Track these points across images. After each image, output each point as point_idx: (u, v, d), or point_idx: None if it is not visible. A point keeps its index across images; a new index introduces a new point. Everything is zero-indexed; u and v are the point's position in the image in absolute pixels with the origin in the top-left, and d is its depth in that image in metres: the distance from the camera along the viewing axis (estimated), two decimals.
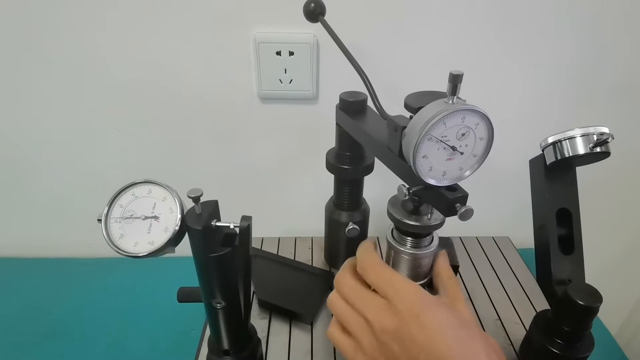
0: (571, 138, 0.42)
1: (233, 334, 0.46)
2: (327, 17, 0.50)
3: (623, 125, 0.71)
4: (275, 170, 0.74)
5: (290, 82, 0.64)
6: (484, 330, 0.52)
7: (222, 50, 0.62)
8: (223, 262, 0.39)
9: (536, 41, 0.64)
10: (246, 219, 0.39)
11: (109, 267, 0.77)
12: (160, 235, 0.36)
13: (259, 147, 0.72)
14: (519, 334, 0.57)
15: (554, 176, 0.46)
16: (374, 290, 0.38)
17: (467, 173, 0.36)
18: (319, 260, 0.69)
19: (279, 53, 0.62)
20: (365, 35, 0.62)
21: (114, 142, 0.71)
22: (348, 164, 0.55)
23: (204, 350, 0.51)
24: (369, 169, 0.56)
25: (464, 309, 0.38)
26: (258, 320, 0.58)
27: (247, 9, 0.60)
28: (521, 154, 0.56)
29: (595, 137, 0.41)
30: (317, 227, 0.68)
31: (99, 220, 0.37)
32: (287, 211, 0.79)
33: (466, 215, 0.34)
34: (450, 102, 0.32)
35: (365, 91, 0.45)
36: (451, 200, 0.34)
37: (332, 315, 0.40)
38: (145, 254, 0.36)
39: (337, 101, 0.53)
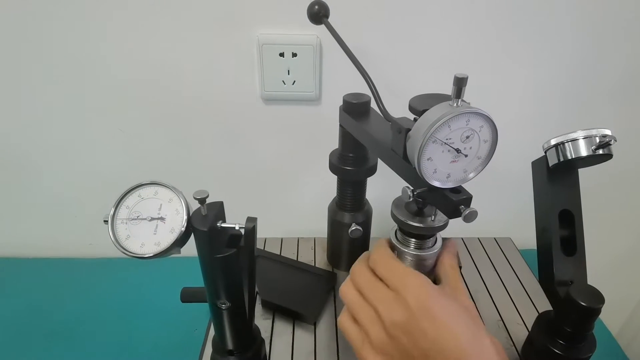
0: (574, 140, 0.43)
1: (237, 335, 0.46)
2: (331, 19, 0.50)
3: (624, 126, 0.71)
4: (278, 171, 0.75)
5: (293, 84, 0.64)
6: None
7: (226, 51, 0.63)
8: (228, 263, 0.39)
9: (537, 42, 0.64)
10: (251, 220, 0.39)
11: (110, 268, 0.78)
12: (166, 236, 0.36)
13: (262, 147, 0.72)
14: (521, 334, 0.57)
15: (557, 178, 0.46)
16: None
17: (471, 175, 0.36)
18: (321, 261, 0.70)
19: (282, 54, 0.62)
20: (368, 37, 0.62)
21: (117, 143, 0.71)
22: (351, 165, 0.55)
23: (208, 350, 0.51)
24: (372, 171, 0.56)
25: (465, 299, 0.39)
26: (261, 320, 0.59)
27: (250, 11, 0.60)
28: (522, 154, 0.56)
29: (597, 140, 0.42)
30: (320, 227, 0.68)
31: (105, 221, 0.37)
32: (290, 212, 0.79)
33: (470, 217, 0.34)
34: (455, 104, 0.32)
35: (368, 93, 0.45)
36: (455, 202, 0.35)
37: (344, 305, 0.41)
38: (151, 255, 0.36)
39: (340, 102, 0.53)
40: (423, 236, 0.42)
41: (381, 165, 0.49)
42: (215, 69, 0.64)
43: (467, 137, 0.34)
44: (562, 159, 0.44)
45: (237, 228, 0.39)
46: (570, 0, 0.61)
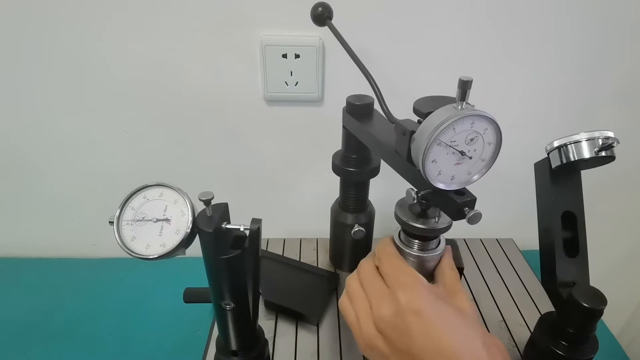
0: (576, 142, 0.43)
1: (241, 335, 0.46)
2: (334, 21, 0.50)
3: (627, 127, 0.72)
4: (281, 172, 0.75)
5: (296, 85, 0.64)
6: (489, 332, 0.52)
7: (229, 52, 0.63)
8: (233, 264, 0.39)
9: (538, 44, 0.64)
10: (256, 221, 0.39)
11: (113, 268, 0.78)
12: (171, 237, 0.37)
13: (264, 148, 0.72)
14: (523, 335, 0.57)
15: (559, 179, 0.47)
16: None
17: (476, 177, 0.36)
18: (324, 262, 0.70)
19: (285, 56, 0.62)
20: (371, 39, 0.62)
21: (119, 144, 0.71)
22: (354, 166, 0.55)
23: (212, 350, 0.51)
24: (375, 172, 0.56)
25: (462, 301, 0.39)
26: (264, 321, 0.59)
27: (254, 12, 0.60)
28: (524, 155, 0.56)
29: (600, 142, 0.42)
30: (322, 228, 0.68)
31: (111, 222, 0.37)
32: (292, 212, 0.79)
33: (475, 219, 0.34)
34: (460, 107, 0.32)
35: (371, 94, 0.46)
36: (460, 204, 0.35)
37: None
38: (156, 256, 0.36)
39: (343, 103, 0.53)
40: (426, 238, 0.42)
41: (384, 166, 0.49)
42: (218, 70, 0.64)
43: (472, 139, 0.34)
44: (564, 161, 0.44)
45: (242, 229, 0.39)
46: (571, 1, 0.61)
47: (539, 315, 0.51)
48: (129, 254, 0.36)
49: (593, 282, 0.46)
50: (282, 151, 0.72)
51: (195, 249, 0.39)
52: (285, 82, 0.64)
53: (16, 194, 0.76)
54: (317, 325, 0.58)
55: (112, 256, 0.79)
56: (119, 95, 0.66)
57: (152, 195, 0.38)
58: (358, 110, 0.51)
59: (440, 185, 0.35)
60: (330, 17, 0.50)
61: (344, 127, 0.54)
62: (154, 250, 0.36)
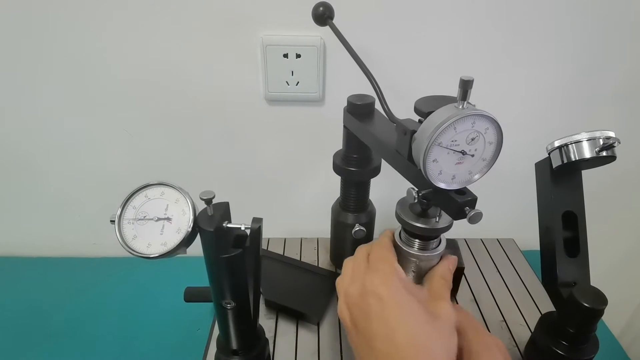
0: (577, 142, 0.43)
1: (242, 334, 0.46)
2: (335, 21, 0.50)
3: (627, 127, 0.72)
4: (282, 172, 0.75)
5: (297, 84, 0.65)
6: (489, 332, 0.52)
7: (230, 52, 0.63)
8: (234, 263, 0.39)
9: (539, 44, 0.64)
10: (257, 220, 0.39)
11: (113, 267, 0.78)
12: (172, 236, 0.37)
13: (265, 148, 0.72)
14: (524, 335, 0.57)
15: (560, 179, 0.47)
16: None
17: (477, 177, 0.36)
18: (324, 261, 0.70)
19: (286, 55, 0.62)
20: (373, 39, 0.62)
21: (120, 143, 0.71)
22: (355, 166, 0.55)
23: (212, 349, 0.52)
24: (376, 171, 0.56)
25: (441, 308, 0.38)
26: (265, 320, 0.59)
27: (254, 12, 0.60)
28: (525, 155, 0.56)
29: (601, 141, 0.42)
30: (323, 228, 0.68)
31: (112, 221, 0.37)
32: (293, 212, 0.79)
33: (475, 219, 0.34)
34: (461, 107, 0.33)
35: (372, 94, 0.46)
36: (460, 203, 0.35)
37: None
38: (157, 255, 0.36)
39: (344, 103, 0.53)
40: (427, 237, 0.42)
41: (385, 166, 0.49)
42: (219, 70, 0.64)
43: (473, 139, 0.34)
44: (565, 161, 0.44)
45: (242, 228, 0.39)
46: (571, 1, 0.61)
47: (540, 315, 0.51)
48: (130, 252, 0.36)
49: (594, 282, 0.46)
50: (283, 151, 0.72)
51: (196, 248, 0.39)
52: (286, 82, 0.64)
53: (17, 193, 0.77)
54: (318, 325, 0.58)
55: (112, 255, 0.79)
56: (119, 95, 0.66)
57: (153, 194, 0.38)
58: (359, 110, 0.51)
59: (441, 185, 0.35)
60: (331, 16, 0.50)
61: (344, 126, 0.54)
62: (155, 249, 0.36)
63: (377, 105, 0.49)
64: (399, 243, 0.43)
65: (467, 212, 0.35)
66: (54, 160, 0.73)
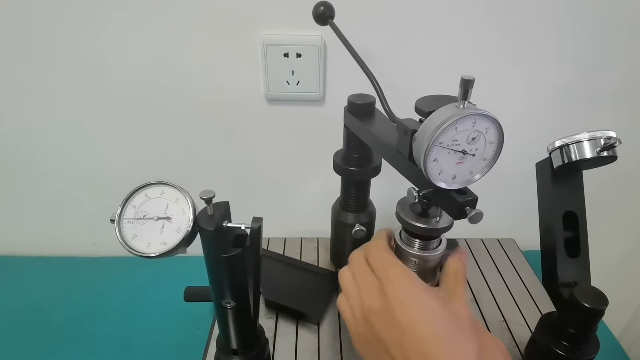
0: (578, 142, 0.43)
1: (242, 334, 0.46)
2: (336, 20, 0.50)
3: (628, 127, 0.72)
4: (282, 171, 0.75)
5: (297, 84, 0.64)
6: (490, 332, 0.52)
7: (231, 51, 0.63)
8: (233, 263, 0.39)
9: (539, 44, 0.64)
10: (257, 220, 0.39)
11: (113, 266, 0.78)
12: (172, 235, 0.37)
13: (265, 148, 0.72)
14: (524, 335, 0.57)
15: (561, 179, 0.46)
16: None
17: (477, 176, 0.36)
18: (324, 261, 0.70)
19: (286, 55, 0.62)
20: (373, 38, 0.62)
21: (120, 142, 0.71)
22: (355, 165, 0.55)
23: (212, 349, 0.51)
24: (376, 171, 0.56)
25: (460, 305, 0.38)
26: (265, 320, 0.59)
27: (255, 11, 0.60)
28: (525, 155, 0.56)
29: (602, 141, 0.42)
30: (323, 227, 0.68)
31: (112, 220, 0.37)
32: (293, 212, 0.79)
33: (476, 219, 0.34)
34: (462, 106, 0.32)
35: (373, 93, 0.46)
36: (461, 203, 0.35)
37: None
38: (157, 254, 0.36)
39: (344, 103, 0.53)
40: (427, 237, 0.42)
41: (385, 165, 0.49)
42: (219, 69, 0.64)
43: (473, 138, 0.34)
44: (566, 161, 0.44)
45: (243, 228, 0.39)
46: (571, 0, 0.61)
47: (540, 315, 0.51)
48: (130, 252, 0.36)
49: (594, 283, 0.46)
50: (284, 150, 0.72)
51: (196, 248, 0.39)
52: (287, 82, 0.64)
53: (17, 192, 0.77)
54: (318, 325, 0.58)
55: (113, 255, 0.79)
56: (119, 95, 0.66)
57: (153, 193, 0.38)
58: (359, 110, 0.51)
59: (442, 185, 0.35)
60: (332, 16, 0.50)
61: (345, 126, 0.54)
62: (155, 249, 0.36)
63: (378, 105, 0.49)
64: (399, 243, 0.43)
65: (467, 212, 0.34)
66: (54, 159, 0.73)
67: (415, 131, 0.36)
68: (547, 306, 0.53)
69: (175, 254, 0.37)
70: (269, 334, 0.56)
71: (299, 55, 0.62)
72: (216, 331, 0.48)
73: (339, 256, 0.67)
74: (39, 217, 0.80)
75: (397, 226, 0.44)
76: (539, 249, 0.48)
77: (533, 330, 0.52)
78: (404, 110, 0.41)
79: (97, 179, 0.75)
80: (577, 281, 0.46)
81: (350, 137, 0.54)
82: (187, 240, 0.37)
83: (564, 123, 0.70)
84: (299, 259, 0.70)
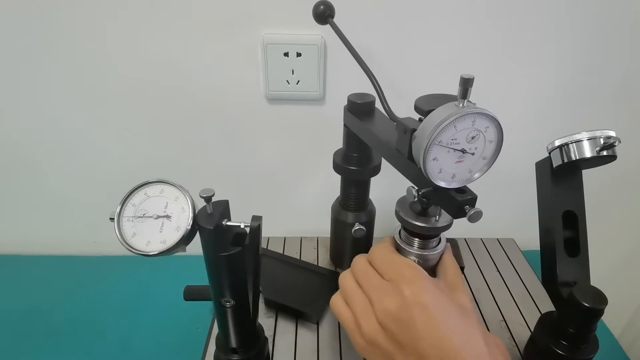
0: (578, 141, 0.43)
1: (241, 333, 0.46)
2: (336, 19, 0.50)
3: (628, 126, 0.72)
4: (282, 171, 0.75)
5: (297, 83, 0.64)
6: (489, 331, 0.52)
7: (231, 51, 0.63)
8: (233, 261, 0.39)
9: (539, 43, 0.64)
10: (256, 219, 0.39)
11: (113, 265, 0.78)
12: (172, 234, 0.37)
13: (265, 147, 0.72)
14: (523, 335, 0.57)
15: (560, 179, 0.47)
16: None
17: (477, 175, 0.36)
18: (324, 260, 0.70)
19: (286, 54, 0.62)
20: (373, 37, 0.62)
21: (121, 142, 0.71)
22: (355, 165, 0.55)
23: (212, 348, 0.52)
24: (376, 170, 0.56)
25: (462, 297, 0.39)
26: (264, 319, 0.59)
27: (255, 10, 0.60)
28: (525, 155, 0.56)
29: (602, 141, 0.42)
30: (323, 227, 0.68)
31: (112, 219, 0.37)
32: (293, 211, 0.79)
33: (475, 218, 0.34)
34: (461, 105, 0.32)
35: (373, 93, 0.46)
36: (460, 202, 0.35)
37: None
38: (157, 252, 0.36)
39: (344, 102, 0.53)
40: (427, 236, 0.42)
41: (385, 165, 0.49)
42: (219, 69, 0.64)
43: (473, 137, 0.34)
44: (566, 160, 0.44)
45: (242, 226, 0.39)
46: (571, 0, 0.61)
47: (540, 315, 0.51)
48: (130, 250, 0.36)
49: (594, 282, 0.46)
50: (283, 150, 0.72)
51: (195, 247, 0.39)
52: (287, 81, 0.64)
53: (17, 191, 0.77)
54: (317, 324, 0.58)
55: (113, 254, 0.79)
56: (119, 94, 0.66)
57: (153, 192, 0.38)
58: (359, 109, 0.51)
59: (441, 184, 0.35)
60: (332, 15, 0.50)
61: (345, 125, 0.54)
62: (155, 247, 0.36)
63: (378, 104, 0.49)
64: (398, 242, 0.43)
65: (467, 210, 0.34)
66: (54, 158, 0.73)
67: (414, 130, 0.36)
68: (547, 306, 0.53)
69: (175, 253, 0.37)
70: (268, 333, 0.56)
71: (299, 55, 0.62)
72: (216, 330, 0.48)
73: (339, 255, 0.67)
74: (39, 216, 0.80)
75: (397, 225, 0.44)
76: (538, 248, 0.48)
77: (532, 329, 0.52)
78: (404, 109, 0.41)
79: (97, 178, 0.75)
80: (576, 281, 0.46)
81: (350, 136, 0.54)
82: (186, 238, 0.37)
83: (564, 123, 0.70)
84: (298, 258, 0.70)
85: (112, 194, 0.38)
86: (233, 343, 0.47)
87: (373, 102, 0.51)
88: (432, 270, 0.44)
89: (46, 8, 0.59)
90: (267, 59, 0.62)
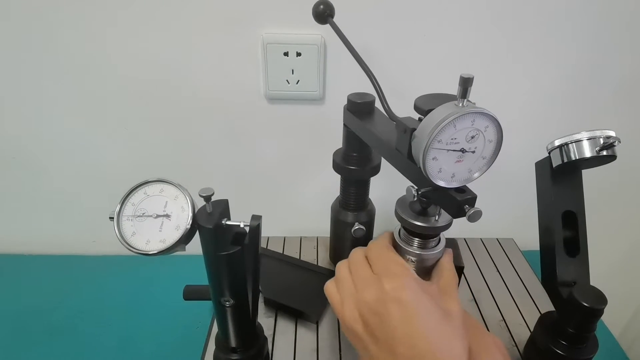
0: (578, 141, 0.43)
1: (241, 332, 0.46)
2: (336, 19, 0.50)
3: (628, 127, 0.72)
4: (282, 170, 0.75)
5: (297, 83, 0.64)
6: (489, 331, 0.52)
7: (231, 50, 0.63)
8: (232, 261, 0.39)
9: (540, 43, 0.64)
10: (256, 218, 0.39)
11: (113, 265, 0.78)
12: (171, 233, 0.37)
13: (265, 147, 0.72)
14: (523, 335, 0.57)
15: (560, 179, 0.47)
16: None
17: (476, 175, 0.36)
18: (324, 260, 0.70)
19: (286, 54, 0.62)
20: (373, 37, 0.62)
21: (121, 141, 0.71)
22: (355, 164, 0.55)
23: (211, 347, 0.51)
24: (376, 170, 0.56)
25: (453, 303, 0.38)
26: (264, 318, 0.59)
27: (256, 10, 0.60)
28: (525, 155, 0.56)
29: (601, 141, 0.42)
30: (322, 226, 0.68)
31: (111, 218, 0.37)
32: (292, 211, 0.79)
33: (475, 217, 0.34)
34: (461, 104, 0.32)
35: (373, 92, 0.46)
36: (460, 201, 0.35)
37: None
38: (156, 251, 0.36)
39: (344, 102, 0.53)
40: (426, 236, 0.42)
41: (385, 164, 0.49)
42: (219, 68, 0.64)
43: (472, 137, 0.34)
44: (566, 160, 0.44)
45: (242, 226, 0.39)
46: (572, 2, 0.61)
47: (539, 315, 0.51)
48: (129, 249, 0.36)
49: (593, 282, 0.46)
50: (283, 149, 0.72)
51: (195, 247, 0.39)
52: (287, 81, 0.64)
53: (17, 190, 0.77)
54: (317, 323, 0.58)
55: (112, 253, 0.79)
56: (119, 93, 0.66)
57: (152, 191, 0.38)
58: (359, 108, 0.51)
59: (441, 183, 0.35)
60: (331, 14, 0.50)
61: (345, 125, 0.54)
62: (154, 246, 0.36)
63: (378, 104, 0.49)
64: (398, 242, 0.43)
65: (466, 210, 0.34)
66: (54, 158, 0.73)
67: (414, 129, 0.36)
68: (546, 306, 0.53)
69: (174, 252, 0.37)
70: (268, 333, 0.56)
71: (299, 54, 0.62)
72: (215, 329, 0.48)
73: (339, 255, 0.67)
74: (39, 216, 0.80)
75: (397, 225, 0.44)
76: (538, 248, 0.48)
77: (532, 329, 0.52)
78: (404, 109, 0.41)
79: (97, 177, 0.75)
80: (576, 280, 0.46)
81: (349, 136, 0.54)
82: (186, 237, 0.37)
83: (563, 123, 0.70)
84: (298, 257, 0.70)
85: (112, 193, 0.38)
86: (232, 342, 0.47)
87: (373, 102, 0.51)
88: (430, 272, 0.44)
89: (46, 8, 0.59)
90: (267, 59, 0.62)
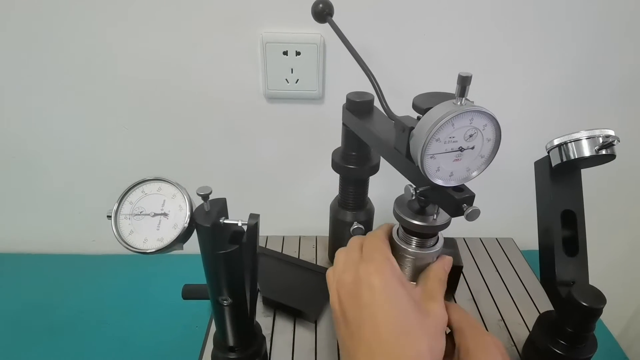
0: (577, 140, 0.43)
1: (238, 331, 0.46)
2: (335, 18, 0.50)
3: (627, 126, 0.71)
4: (281, 169, 0.75)
5: (296, 82, 0.64)
6: (488, 331, 0.52)
7: (230, 49, 0.63)
8: (230, 259, 0.39)
9: (540, 42, 0.64)
10: (254, 217, 0.39)
11: (112, 264, 0.78)
12: (169, 232, 0.36)
13: (264, 146, 0.72)
14: (522, 334, 0.57)
15: (559, 178, 0.46)
16: None
17: (474, 174, 0.36)
18: (323, 259, 0.70)
19: (285, 53, 0.62)
20: (372, 36, 0.62)
21: (121, 140, 0.71)
22: (354, 163, 0.55)
23: (209, 346, 0.51)
24: (375, 169, 0.56)
25: (436, 305, 0.38)
26: (262, 318, 0.59)
27: (255, 9, 0.60)
28: (524, 154, 0.56)
29: (601, 140, 0.42)
30: (321, 226, 0.68)
31: (109, 216, 0.37)
32: (291, 210, 0.79)
33: (473, 216, 0.34)
34: (459, 103, 0.32)
35: (372, 91, 0.45)
36: (458, 200, 0.34)
37: None
38: (154, 250, 0.36)
39: (343, 101, 0.53)
40: (425, 235, 0.41)
41: (384, 163, 0.49)
42: (219, 67, 0.64)
43: (471, 135, 0.34)
44: (565, 159, 0.44)
45: (239, 224, 0.39)
46: (572, 1, 0.61)
47: (538, 315, 0.51)
48: (127, 248, 0.36)
49: (592, 281, 0.46)
50: (282, 148, 0.72)
51: (193, 246, 0.39)
52: (286, 80, 0.64)
53: (16, 189, 0.77)
54: (315, 323, 0.58)
55: (111, 252, 0.79)
56: (119, 92, 0.66)
57: (150, 189, 0.38)
58: (358, 107, 0.51)
59: (439, 182, 0.35)
60: (331, 13, 0.50)
61: (344, 124, 0.54)
62: (152, 245, 0.36)
63: (377, 103, 0.49)
64: (396, 240, 0.43)
65: (464, 209, 0.34)
66: (53, 156, 0.73)
67: (412, 128, 0.35)
68: (545, 305, 0.53)
69: (172, 250, 0.37)
70: (266, 332, 0.56)
71: (298, 53, 0.62)
72: (213, 328, 0.48)
73: None
74: (38, 215, 0.80)
75: (396, 223, 0.44)
76: (537, 248, 0.48)
77: (531, 329, 0.52)
78: (403, 108, 0.41)
79: (97, 176, 0.75)
80: (575, 280, 0.46)
81: (348, 135, 0.54)
82: (183, 236, 0.37)
83: (563, 122, 0.70)
84: (297, 257, 0.70)
85: (111, 192, 0.38)
86: (231, 341, 0.46)
87: (372, 101, 0.51)
88: None
89: (47, 8, 0.59)
90: (267, 58, 0.62)
